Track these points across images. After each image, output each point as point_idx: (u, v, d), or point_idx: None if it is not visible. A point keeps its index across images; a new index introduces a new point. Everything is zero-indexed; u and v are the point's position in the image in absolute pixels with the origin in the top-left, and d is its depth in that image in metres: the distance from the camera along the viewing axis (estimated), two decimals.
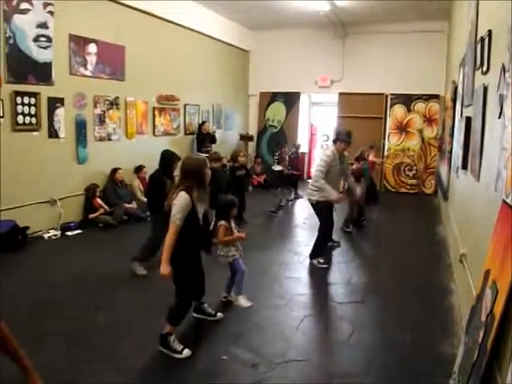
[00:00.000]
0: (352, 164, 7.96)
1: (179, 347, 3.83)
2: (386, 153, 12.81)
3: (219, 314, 4.53)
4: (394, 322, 4.64)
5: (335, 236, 7.17)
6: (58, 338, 4.14)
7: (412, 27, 12.12)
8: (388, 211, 10.17)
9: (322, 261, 6.31)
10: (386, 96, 12.82)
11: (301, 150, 12.12)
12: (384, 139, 12.89)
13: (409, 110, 12.56)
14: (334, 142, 6.32)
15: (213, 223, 5.41)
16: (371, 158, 9.74)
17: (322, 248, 6.43)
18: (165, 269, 3.63)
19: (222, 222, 4.73)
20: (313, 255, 6.38)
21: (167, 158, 6.08)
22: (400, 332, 4.38)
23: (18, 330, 4.16)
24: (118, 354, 3.86)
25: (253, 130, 14.65)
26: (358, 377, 3.61)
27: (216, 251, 4.74)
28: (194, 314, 4.48)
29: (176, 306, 3.92)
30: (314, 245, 6.41)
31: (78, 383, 3.44)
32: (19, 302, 4.84)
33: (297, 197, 11.11)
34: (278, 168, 10.26)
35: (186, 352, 3.82)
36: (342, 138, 6.22)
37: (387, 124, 12.89)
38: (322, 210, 6.24)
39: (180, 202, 3.67)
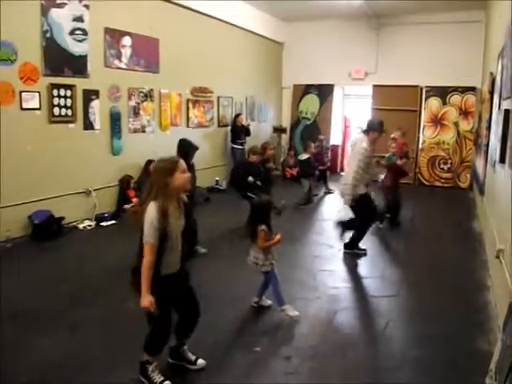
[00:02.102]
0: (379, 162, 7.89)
1: (159, 378, 3.31)
2: (420, 146, 12.62)
3: (200, 362, 3.58)
4: (429, 316, 4.57)
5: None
6: (93, 326, 4.22)
7: (448, 18, 11.84)
8: (422, 205, 10.01)
9: (362, 248, 6.38)
10: (421, 88, 12.59)
11: (329, 143, 12.06)
12: (419, 132, 12.68)
13: (444, 103, 12.31)
14: (367, 132, 6.11)
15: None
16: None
17: (361, 238, 6.38)
18: (144, 300, 3.10)
19: (263, 227, 4.36)
20: (350, 246, 6.40)
21: (184, 148, 6.06)
22: (434, 327, 4.32)
23: (55, 318, 4.31)
24: None
25: (286, 123, 14.59)
26: (391, 371, 3.57)
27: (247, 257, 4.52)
28: (169, 360, 3.62)
29: (150, 335, 3.38)
30: (353, 235, 6.39)
31: (111, 371, 3.50)
32: (56, 290, 4.96)
33: (328, 191, 10.96)
34: (304, 157, 10.12)
35: None
36: (375, 128, 6.09)
37: (422, 117, 12.67)
38: (360, 205, 6.10)
39: (149, 217, 3.07)
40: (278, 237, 4.44)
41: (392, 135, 8.59)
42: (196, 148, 6.23)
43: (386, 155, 8.23)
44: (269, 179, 8.19)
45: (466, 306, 4.79)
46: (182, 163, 3.21)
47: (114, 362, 3.62)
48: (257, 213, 4.51)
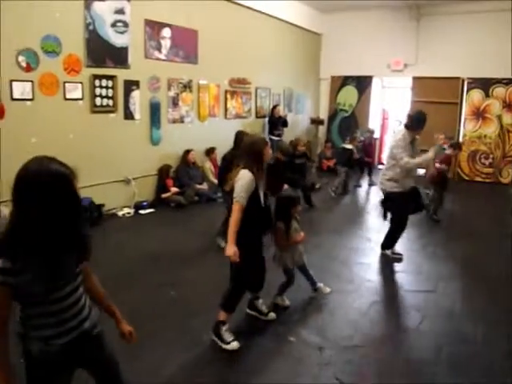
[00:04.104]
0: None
1: (229, 338, 3.73)
2: (460, 140, 12.31)
3: (271, 315, 4.23)
4: (466, 313, 4.51)
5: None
6: (131, 310, 4.31)
7: (492, 6, 11.30)
8: (461, 200, 9.83)
9: (395, 252, 6.10)
10: (463, 80, 12.20)
11: (374, 136, 11.95)
12: (459, 125, 12.34)
13: (487, 95, 11.90)
14: (407, 127, 5.74)
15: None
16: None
17: (395, 239, 6.09)
18: (230, 249, 3.51)
19: (281, 225, 4.25)
20: (385, 246, 6.13)
21: (239, 139, 6.24)
22: (471, 324, 4.26)
23: (94, 301, 4.43)
24: (189, 328, 3.99)
25: (323, 114, 14.48)
26: (426, 366, 3.56)
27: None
28: (247, 310, 4.29)
29: (229, 292, 3.81)
30: (386, 235, 6.11)
31: (150, 354, 3.60)
32: (95, 275, 5.08)
33: (371, 183, 10.88)
34: (348, 146, 10.11)
35: (235, 345, 3.70)
36: (414, 126, 5.68)
37: (463, 109, 12.31)
38: (395, 201, 5.81)
39: (243, 180, 3.58)
40: (297, 239, 4.39)
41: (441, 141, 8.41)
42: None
43: (436, 145, 8.12)
44: (302, 175, 8.15)
45: (505, 304, 4.70)
46: None
47: (150, 346, 3.72)
48: (277, 208, 4.36)
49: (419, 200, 6.05)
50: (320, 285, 4.80)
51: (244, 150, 3.79)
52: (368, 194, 10.41)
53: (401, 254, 6.11)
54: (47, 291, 1.88)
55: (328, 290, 4.83)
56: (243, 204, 3.55)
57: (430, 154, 5.72)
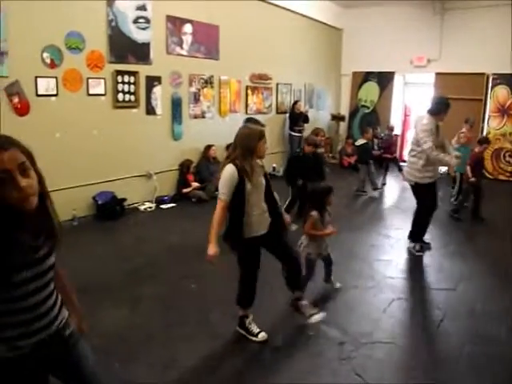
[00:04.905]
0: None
1: (256, 329, 3.74)
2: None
3: (316, 317, 4.02)
4: (488, 312, 4.43)
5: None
6: (153, 302, 4.41)
7: None
8: (485, 199, 9.67)
9: (417, 248, 6.00)
10: (487, 76, 11.98)
11: (394, 132, 11.76)
12: (483, 123, 12.12)
13: None
14: (430, 112, 5.65)
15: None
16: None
17: (422, 231, 6.02)
18: (211, 249, 3.37)
19: (314, 213, 4.36)
20: (414, 238, 6.05)
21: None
22: (494, 324, 4.19)
23: (117, 292, 4.52)
24: (210, 321, 4.03)
25: (344, 110, 14.42)
26: (447, 364, 3.52)
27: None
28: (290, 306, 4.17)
29: (239, 291, 3.77)
30: (412, 228, 6.06)
31: (170, 345, 3.64)
32: (118, 266, 5.20)
33: (383, 183, 10.58)
34: (360, 142, 9.96)
35: (262, 336, 3.71)
36: (437, 111, 5.63)
37: (487, 106, 12.10)
38: (422, 191, 5.76)
39: (224, 175, 3.42)
40: (327, 231, 4.47)
41: (463, 130, 8.33)
42: (262, 125, 6.41)
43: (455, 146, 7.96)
44: (319, 167, 8.03)
45: None
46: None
47: (173, 336, 3.77)
48: (313, 198, 4.51)
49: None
50: (332, 278, 4.81)
51: (237, 142, 3.54)
52: (386, 189, 10.32)
53: (429, 243, 6.08)
54: (8, 281, 1.65)
55: (338, 285, 4.81)
56: (226, 200, 3.43)
57: (449, 161, 5.60)
